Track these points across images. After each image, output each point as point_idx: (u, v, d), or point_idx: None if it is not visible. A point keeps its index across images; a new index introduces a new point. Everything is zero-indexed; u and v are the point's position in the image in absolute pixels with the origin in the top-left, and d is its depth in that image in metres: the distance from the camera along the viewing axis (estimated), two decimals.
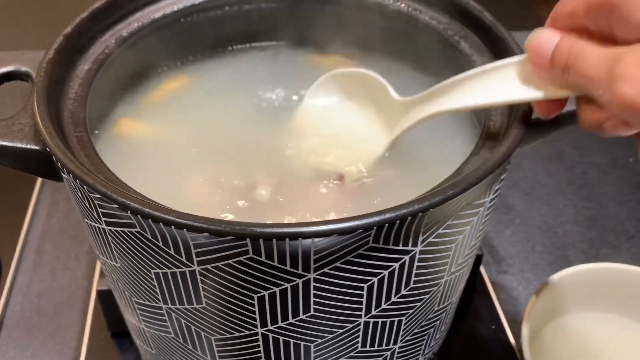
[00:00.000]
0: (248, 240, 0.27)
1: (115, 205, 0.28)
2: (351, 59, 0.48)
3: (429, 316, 0.38)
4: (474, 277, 0.58)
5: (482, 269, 0.62)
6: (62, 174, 0.33)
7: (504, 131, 0.34)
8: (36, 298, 0.59)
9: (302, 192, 0.37)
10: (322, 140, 0.41)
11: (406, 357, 0.40)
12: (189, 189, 0.38)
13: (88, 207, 0.31)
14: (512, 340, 0.56)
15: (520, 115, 0.33)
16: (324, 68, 0.45)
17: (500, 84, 0.32)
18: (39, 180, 0.70)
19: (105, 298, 0.51)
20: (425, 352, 0.42)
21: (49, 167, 0.34)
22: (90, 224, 0.33)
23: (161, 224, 0.27)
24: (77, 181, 0.29)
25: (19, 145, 0.34)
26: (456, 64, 0.41)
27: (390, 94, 0.38)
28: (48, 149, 0.32)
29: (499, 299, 0.60)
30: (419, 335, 0.39)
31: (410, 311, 0.35)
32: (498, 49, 0.39)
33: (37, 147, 0.34)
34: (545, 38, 0.30)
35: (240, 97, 0.45)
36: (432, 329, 0.40)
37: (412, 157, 0.41)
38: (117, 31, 0.41)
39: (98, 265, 0.61)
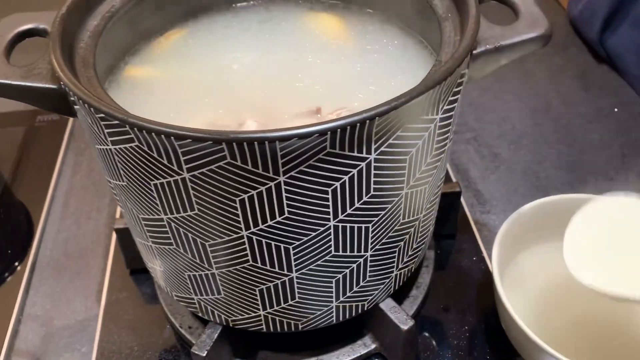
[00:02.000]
0: (224, 145, 0.33)
1: (117, 122, 0.34)
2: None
3: (396, 228, 0.43)
4: (455, 214, 0.63)
5: (466, 210, 0.67)
6: (75, 106, 0.39)
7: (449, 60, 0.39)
8: (63, 243, 0.66)
9: (284, 123, 0.43)
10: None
11: (380, 267, 0.45)
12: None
13: (96, 130, 0.37)
14: (491, 268, 0.61)
15: (464, 45, 0.39)
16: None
17: None
18: (64, 143, 0.77)
19: (123, 235, 0.57)
20: (399, 266, 0.48)
21: (64, 103, 0.40)
22: (100, 148, 0.39)
23: (153, 134, 0.33)
24: (86, 106, 0.35)
25: (39, 85, 0.40)
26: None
27: None
28: (63, 85, 0.39)
29: (481, 235, 0.65)
30: (389, 245, 0.44)
31: (376, 219, 0.41)
32: None
33: (54, 86, 0.40)
34: None
35: (230, 46, 0.51)
36: (402, 243, 0.46)
37: (383, 93, 0.46)
38: None
39: (117, 212, 0.68)
